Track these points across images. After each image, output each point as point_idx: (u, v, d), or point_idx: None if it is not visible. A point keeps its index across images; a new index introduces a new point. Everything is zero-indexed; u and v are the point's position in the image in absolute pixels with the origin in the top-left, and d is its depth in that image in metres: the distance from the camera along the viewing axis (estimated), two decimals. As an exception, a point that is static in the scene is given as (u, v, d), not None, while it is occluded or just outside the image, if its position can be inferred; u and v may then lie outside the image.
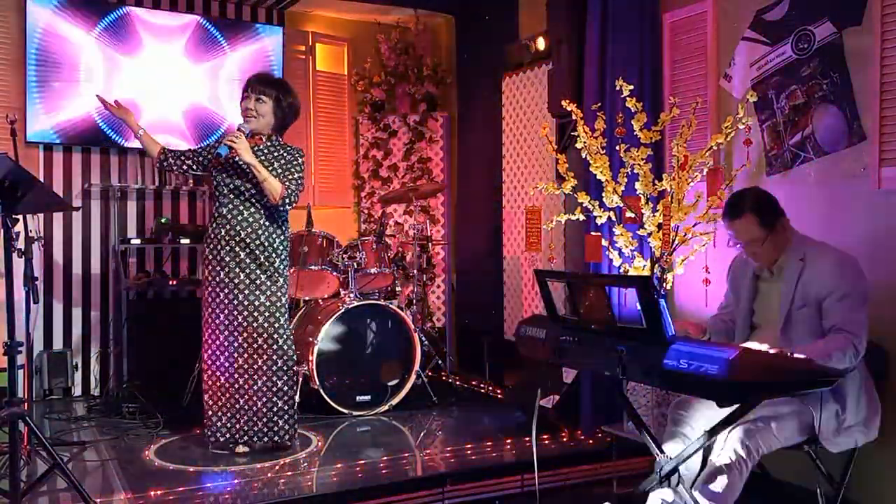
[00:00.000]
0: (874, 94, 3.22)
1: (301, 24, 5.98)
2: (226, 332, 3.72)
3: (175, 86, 5.42)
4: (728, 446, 2.64)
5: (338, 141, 6.12)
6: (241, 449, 3.76)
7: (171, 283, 5.26)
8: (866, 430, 2.77)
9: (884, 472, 3.07)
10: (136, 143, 5.21)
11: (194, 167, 3.91)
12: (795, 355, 2.44)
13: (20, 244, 3.21)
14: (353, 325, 4.55)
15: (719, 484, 2.61)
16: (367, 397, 4.56)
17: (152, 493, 3.22)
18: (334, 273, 4.82)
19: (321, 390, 4.41)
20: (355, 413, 4.49)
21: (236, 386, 3.73)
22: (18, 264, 3.10)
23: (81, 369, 5.24)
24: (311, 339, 4.43)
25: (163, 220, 5.28)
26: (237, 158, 3.66)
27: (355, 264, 4.74)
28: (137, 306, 5.18)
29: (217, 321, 3.75)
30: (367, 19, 6.12)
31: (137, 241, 5.20)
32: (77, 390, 5.21)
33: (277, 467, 3.57)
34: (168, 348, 5.00)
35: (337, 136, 6.12)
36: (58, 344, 5.19)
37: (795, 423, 2.72)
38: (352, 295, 4.66)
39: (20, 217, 3.17)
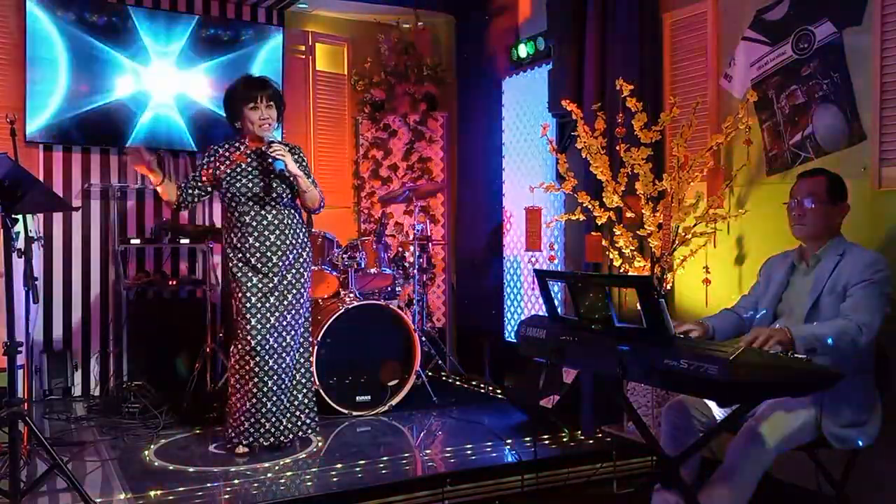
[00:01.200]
0: (874, 93, 3.22)
1: (301, 24, 5.98)
2: (258, 337, 3.72)
3: (175, 85, 5.42)
4: (739, 451, 2.64)
5: (338, 141, 6.12)
6: (241, 450, 3.76)
7: (170, 283, 5.26)
8: (868, 430, 2.77)
9: (884, 473, 3.07)
10: (136, 143, 5.28)
11: (204, 194, 3.88)
12: (795, 334, 2.45)
13: (20, 244, 3.21)
14: (353, 325, 4.55)
15: (730, 489, 2.60)
16: (367, 397, 4.56)
17: (152, 493, 3.21)
18: (334, 273, 4.82)
19: (321, 390, 4.41)
20: (355, 413, 4.48)
21: (265, 389, 3.73)
22: (18, 264, 3.10)
23: (81, 369, 5.24)
24: (311, 339, 4.43)
25: (162, 221, 5.28)
26: (278, 170, 3.69)
27: (355, 264, 4.74)
28: (137, 306, 5.18)
29: (248, 326, 3.73)
30: (366, 19, 6.12)
31: (137, 242, 5.20)
32: (77, 390, 5.20)
33: (277, 467, 3.57)
34: (168, 348, 5.00)
35: (337, 136, 6.12)
36: (57, 344, 5.18)
37: (804, 426, 2.71)
38: (352, 295, 4.66)
39: (20, 217, 3.17)
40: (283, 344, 3.77)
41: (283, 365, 3.77)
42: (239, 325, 3.78)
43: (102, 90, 5.19)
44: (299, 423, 3.85)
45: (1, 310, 3.23)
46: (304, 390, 3.88)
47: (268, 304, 3.74)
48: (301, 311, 3.84)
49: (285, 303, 3.78)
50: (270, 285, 3.75)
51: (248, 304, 3.74)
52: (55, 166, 5.20)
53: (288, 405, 3.81)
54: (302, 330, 3.87)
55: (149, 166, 3.70)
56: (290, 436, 3.82)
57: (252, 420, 3.74)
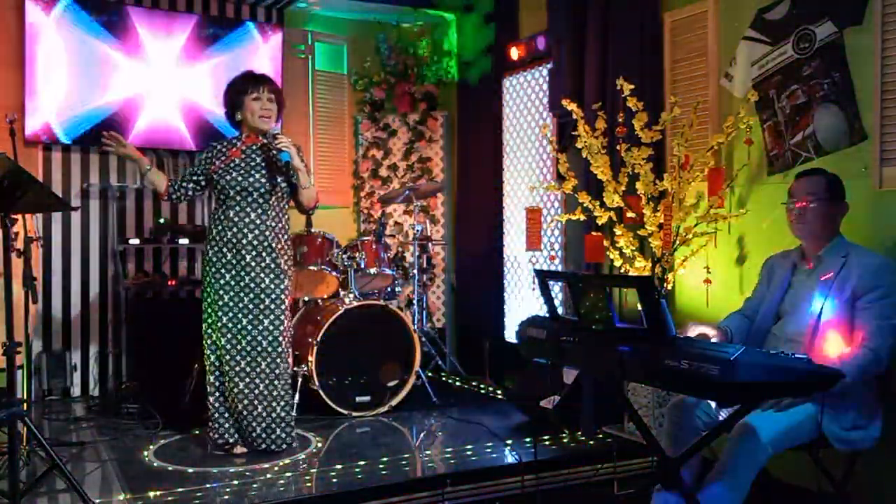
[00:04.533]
0: (875, 93, 3.21)
1: (301, 23, 5.97)
2: (228, 335, 3.71)
3: (174, 85, 5.41)
4: (733, 448, 2.63)
5: (338, 141, 6.11)
6: (239, 450, 3.75)
7: (169, 283, 5.24)
8: (869, 430, 2.77)
9: (884, 473, 3.06)
10: (135, 143, 5.27)
11: (198, 188, 3.86)
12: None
13: (19, 244, 3.21)
14: (353, 326, 4.54)
15: (725, 486, 2.60)
16: (367, 398, 4.55)
17: (151, 493, 3.21)
18: (334, 273, 4.81)
19: (321, 391, 4.40)
20: (355, 414, 4.48)
21: (236, 390, 3.72)
22: (17, 264, 3.09)
23: (80, 370, 5.23)
24: (310, 340, 4.42)
25: (161, 221, 5.27)
26: (280, 162, 3.67)
27: (355, 264, 4.73)
28: (136, 306, 5.17)
29: (220, 324, 3.73)
30: (366, 19, 6.12)
31: (136, 242, 5.19)
32: (76, 391, 5.20)
33: (276, 468, 3.56)
34: (167, 348, 4.98)
35: (337, 136, 6.11)
36: (56, 344, 5.18)
37: (801, 424, 2.71)
38: (351, 295, 4.65)
39: (19, 217, 3.16)
40: (259, 349, 3.71)
41: (258, 369, 3.71)
42: (208, 323, 3.77)
43: (101, 90, 5.19)
44: (274, 437, 3.74)
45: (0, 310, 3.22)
46: (283, 402, 3.77)
47: (240, 305, 3.70)
48: (285, 317, 3.77)
49: (261, 306, 3.71)
50: (242, 284, 3.70)
51: (220, 302, 3.72)
52: (54, 166, 5.19)
53: (264, 415, 3.73)
54: (287, 340, 3.79)
55: (126, 150, 3.73)
56: (264, 446, 3.75)
57: (222, 419, 3.75)
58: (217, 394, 3.78)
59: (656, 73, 4.17)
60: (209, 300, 3.78)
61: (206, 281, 3.79)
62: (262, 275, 3.72)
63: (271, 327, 3.73)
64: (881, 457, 2.95)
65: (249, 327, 3.70)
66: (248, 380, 3.70)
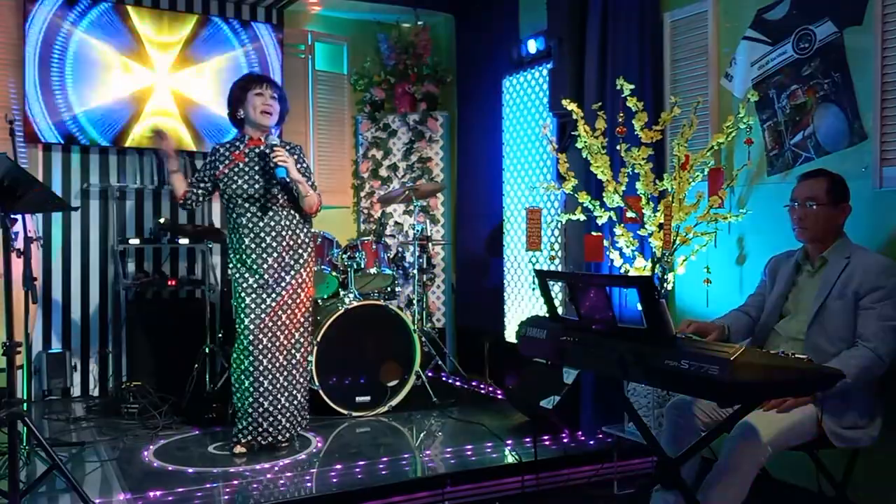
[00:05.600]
0: (875, 93, 3.21)
1: (300, 23, 5.97)
2: (250, 337, 3.73)
3: (174, 85, 5.41)
4: (733, 447, 2.63)
5: (338, 141, 6.12)
6: (239, 449, 3.76)
7: (169, 283, 5.25)
8: (869, 430, 2.77)
9: (884, 473, 3.06)
10: (134, 143, 5.28)
11: (207, 193, 3.90)
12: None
13: (19, 244, 3.21)
14: (353, 326, 4.54)
15: (725, 486, 2.60)
16: (367, 398, 4.55)
17: (151, 493, 3.21)
18: (334, 273, 4.81)
19: (321, 391, 4.40)
20: (355, 414, 4.48)
21: (261, 389, 3.74)
22: (17, 264, 3.09)
23: (80, 370, 5.23)
24: (311, 340, 4.42)
25: (161, 221, 5.27)
26: (283, 177, 3.66)
27: (355, 264, 4.73)
28: (136, 306, 5.17)
29: (242, 326, 3.76)
30: (366, 19, 6.12)
31: (136, 242, 5.19)
32: (76, 391, 5.20)
33: (277, 468, 3.56)
34: (167, 348, 4.99)
35: (337, 136, 6.11)
36: (56, 344, 5.18)
37: (801, 424, 2.71)
38: (351, 295, 4.65)
39: (19, 217, 3.15)
40: (277, 344, 3.76)
41: (278, 364, 3.76)
42: (236, 325, 3.80)
43: (101, 90, 5.19)
44: (294, 423, 3.86)
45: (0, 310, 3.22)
46: (302, 390, 3.89)
47: (263, 306, 3.74)
48: (298, 310, 3.83)
49: (280, 303, 3.76)
50: (265, 285, 3.74)
51: (242, 305, 3.75)
52: (54, 166, 5.19)
53: (287, 404, 3.81)
54: (302, 330, 3.86)
55: (170, 150, 3.81)
56: (287, 434, 3.83)
57: (250, 419, 3.75)
58: (238, 394, 3.79)
59: (656, 73, 4.17)
60: (236, 305, 3.81)
61: (233, 288, 3.83)
62: (287, 275, 3.77)
63: (290, 323, 3.79)
64: (881, 456, 2.95)
65: (272, 325, 3.75)
66: (270, 377, 3.75)
